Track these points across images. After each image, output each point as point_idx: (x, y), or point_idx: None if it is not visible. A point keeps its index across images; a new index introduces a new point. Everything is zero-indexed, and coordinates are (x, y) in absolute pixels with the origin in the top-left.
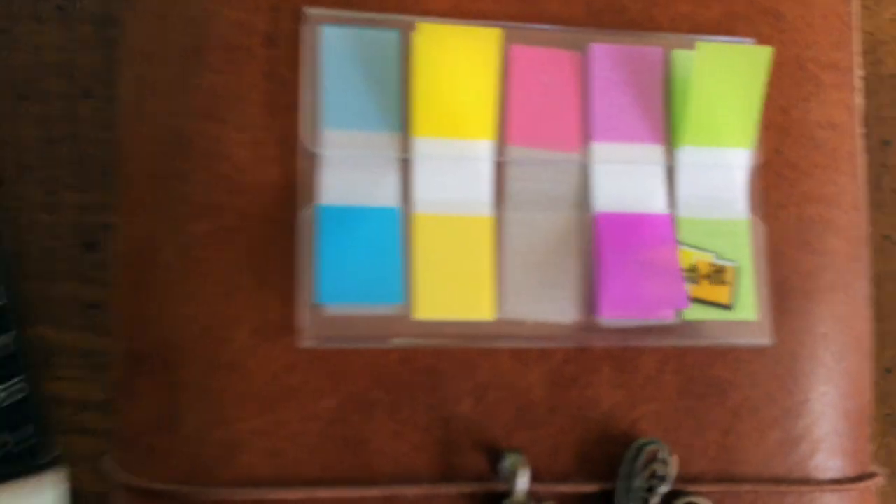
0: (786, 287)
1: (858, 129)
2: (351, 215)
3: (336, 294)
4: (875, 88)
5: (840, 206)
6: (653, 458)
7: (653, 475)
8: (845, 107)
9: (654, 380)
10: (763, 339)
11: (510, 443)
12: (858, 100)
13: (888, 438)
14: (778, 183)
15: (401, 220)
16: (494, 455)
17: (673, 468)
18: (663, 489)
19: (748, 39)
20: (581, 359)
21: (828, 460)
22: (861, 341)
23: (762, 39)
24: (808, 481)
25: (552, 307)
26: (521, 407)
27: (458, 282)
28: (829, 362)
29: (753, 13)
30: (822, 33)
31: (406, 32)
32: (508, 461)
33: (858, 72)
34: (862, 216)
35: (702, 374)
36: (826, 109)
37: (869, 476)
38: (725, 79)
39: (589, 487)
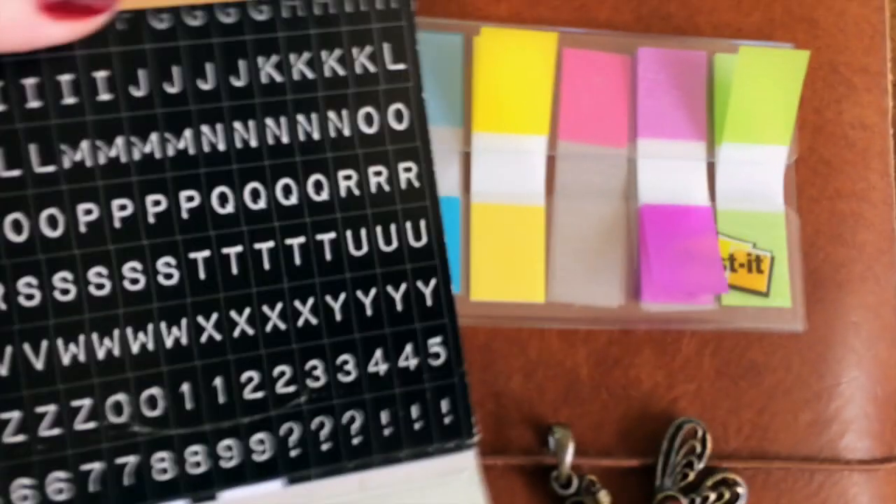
0: (818, 277)
1: (889, 130)
2: None
3: None
4: None
5: (870, 202)
6: (691, 436)
7: (691, 451)
8: (876, 108)
9: (692, 362)
10: (796, 325)
11: (557, 418)
12: (889, 102)
13: None
14: (812, 179)
15: (461, 208)
16: (542, 430)
17: (709, 446)
18: (700, 465)
19: (787, 44)
20: (624, 341)
21: (857, 442)
22: (890, 330)
23: (798, 45)
24: (837, 461)
25: (599, 292)
26: (567, 384)
27: (512, 267)
28: (860, 349)
29: (790, 20)
30: (855, 39)
31: (469, 37)
32: (557, 435)
33: (889, 76)
34: (891, 211)
35: (738, 357)
36: (858, 111)
37: None
38: (765, 80)
39: (630, 462)
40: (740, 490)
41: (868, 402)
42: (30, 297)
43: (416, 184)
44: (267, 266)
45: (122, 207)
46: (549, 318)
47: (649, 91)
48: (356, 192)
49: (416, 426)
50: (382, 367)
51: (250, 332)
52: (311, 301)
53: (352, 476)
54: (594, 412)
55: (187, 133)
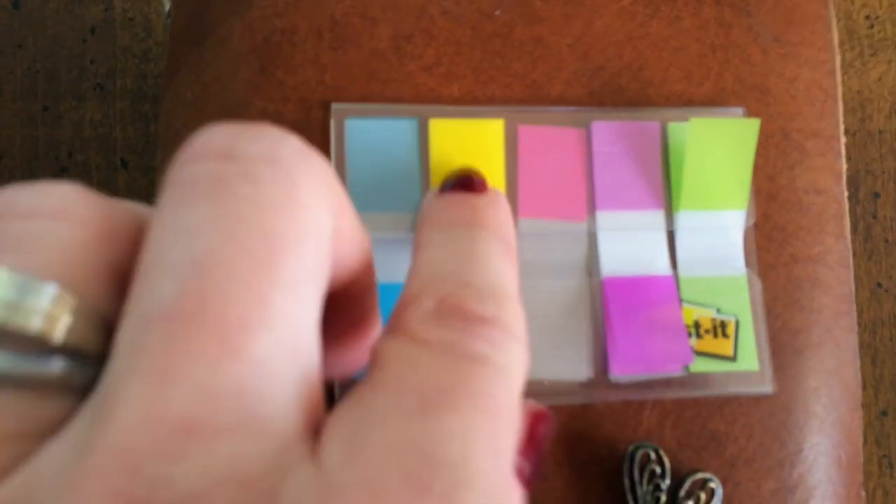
0: (777, 343)
1: (843, 192)
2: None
3: None
4: (864, 143)
5: (827, 265)
6: (647, 461)
7: (652, 475)
8: (830, 172)
9: (654, 434)
10: (765, 387)
11: None
12: (843, 164)
13: (884, 479)
14: (767, 245)
15: None
16: None
17: (667, 462)
18: (666, 483)
19: (737, 109)
20: (585, 416)
21: None
22: (851, 392)
23: (750, 113)
24: None
25: (567, 367)
26: None
27: None
28: (821, 413)
29: (741, 89)
30: (806, 105)
31: (424, 120)
32: None
33: (843, 139)
34: (849, 273)
35: (699, 428)
36: (811, 175)
37: None
38: (718, 149)
39: None
40: (713, 485)
41: (831, 466)
42: None
43: None
44: None
45: None
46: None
47: (605, 164)
48: None
49: None
50: None
51: None
52: None
53: None
54: (557, 489)
55: None
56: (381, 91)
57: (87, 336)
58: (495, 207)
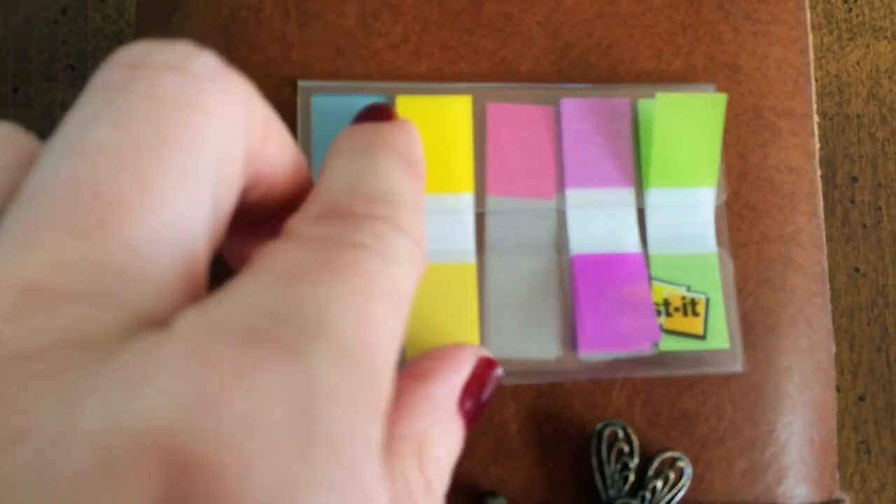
0: (748, 322)
1: (816, 171)
2: None
3: None
4: (842, 127)
5: (799, 244)
6: (615, 440)
7: (620, 454)
8: (802, 151)
9: (623, 413)
10: (735, 366)
11: (488, 476)
12: (815, 143)
13: (862, 465)
14: (739, 224)
15: None
16: (473, 493)
17: (635, 440)
18: (634, 462)
19: (708, 86)
20: (553, 394)
21: (794, 487)
22: (824, 372)
23: (721, 91)
24: None
25: (535, 345)
26: (496, 441)
27: (446, 325)
28: (794, 393)
29: (712, 67)
30: (778, 83)
31: (391, 97)
32: None
33: (815, 118)
34: (821, 253)
35: (669, 407)
36: (783, 154)
37: (835, 502)
38: (686, 125)
39: None
40: (682, 464)
41: (804, 446)
42: None
43: None
44: None
45: None
46: None
47: (574, 141)
48: None
49: None
50: None
51: None
52: None
53: None
54: (525, 468)
55: None
56: (348, 68)
57: None
58: (400, 131)
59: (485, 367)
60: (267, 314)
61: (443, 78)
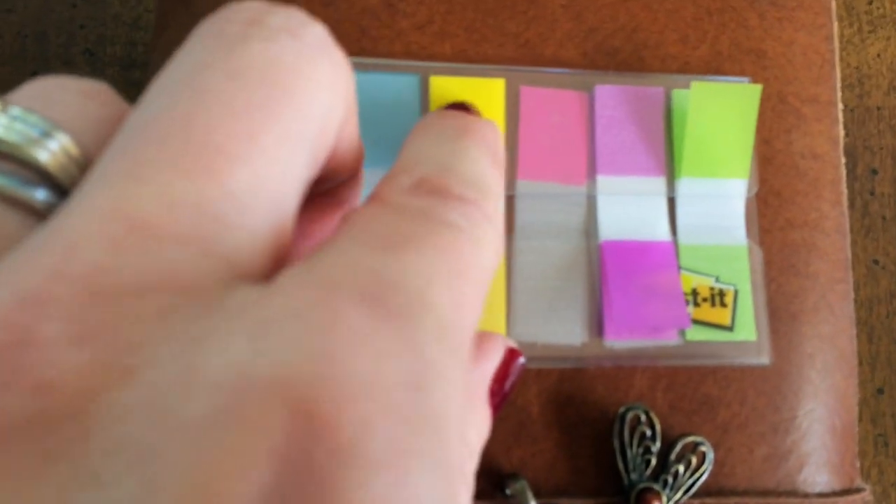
0: (772, 308)
1: (840, 159)
2: None
3: None
4: (862, 119)
5: (823, 231)
6: (637, 423)
7: (643, 437)
8: (827, 137)
9: (645, 397)
10: (762, 358)
11: (510, 459)
12: (840, 131)
13: (879, 458)
14: (763, 210)
15: None
16: (495, 475)
17: (657, 424)
18: (657, 446)
19: (742, 78)
20: (576, 377)
21: (815, 475)
22: (846, 360)
23: (745, 77)
24: (795, 494)
25: (561, 330)
26: (518, 423)
27: None
28: (816, 380)
29: (738, 53)
30: (803, 69)
31: (424, 76)
32: (513, 490)
33: (840, 105)
34: (845, 240)
35: (692, 392)
36: (808, 140)
37: (856, 490)
38: (720, 115)
39: (583, 503)
40: (703, 449)
41: (826, 433)
42: None
43: None
44: None
45: None
46: None
47: (607, 128)
48: None
49: None
50: None
51: None
52: None
53: None
54: (547, 451)
55: None
56: (372, 48)
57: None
58: (488, 126)
59: (510, 357)
60: (376, 278)
61: (468, 59)
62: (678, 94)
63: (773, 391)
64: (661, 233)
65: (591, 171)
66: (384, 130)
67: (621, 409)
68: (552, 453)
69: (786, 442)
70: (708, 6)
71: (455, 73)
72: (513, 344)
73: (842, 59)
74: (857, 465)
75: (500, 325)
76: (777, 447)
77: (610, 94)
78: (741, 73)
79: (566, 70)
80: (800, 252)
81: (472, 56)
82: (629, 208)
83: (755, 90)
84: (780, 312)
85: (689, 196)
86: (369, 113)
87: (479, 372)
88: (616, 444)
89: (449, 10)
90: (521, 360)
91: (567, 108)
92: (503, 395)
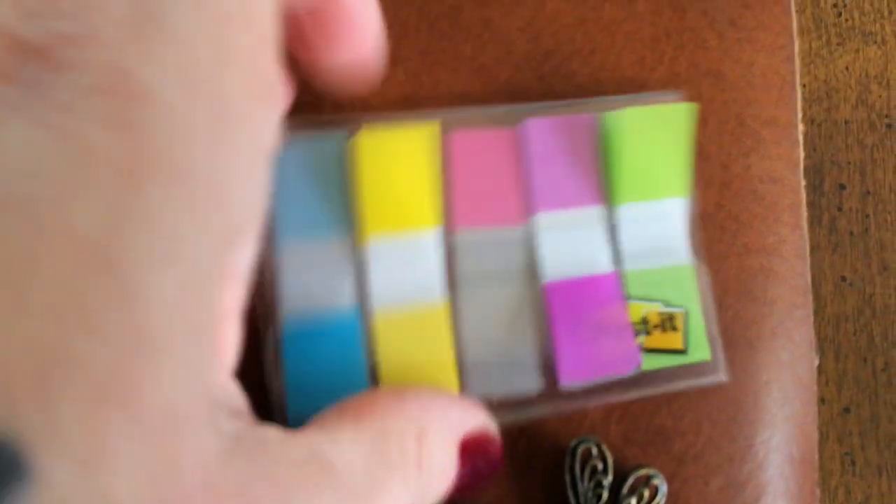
0: (728, 336)
1: (801, 182)
2: (312, 331)
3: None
4: (830, 133)
5: (781, 256)
6: (588, 457)
7: (594, 471)
8: (786, 161)
9: (598, 429)
10: (719, 376)
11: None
12: (800, 153)
13: (846, 477)
14: (720, 236)
15: (360, 320)
16: None
17: (609, 457)
18: (608, 479)
19: (674, 94)
20: (532, 430)
21: None
22: (805, 387)
23: (703, 99)
24: None
25: (516, 380)
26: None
27: (421, 370)
28: (773, 408)
29: (695, 75)
30: (762, 91)
31: (352, 132)
32: None
33: (800, 126)
34: (805, 264)
35: (646, 423)
36: (767, 164)
37: None
38: (653, 136)
39: None
40: (656, 481)
41: (784, 462)
42: None
43: None
44: None
45: None
46: None
47: (539, 162)
48: None
49: None
50: None
51: None
52: None
53: None
54: (497, 485)
55: None
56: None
57: None
58: None
59: (488, 441)
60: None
61: (419, 85)
62: (609, 117)
63: (728, 420)
64: (604, 264)
65: (531, 209)
66: (312, 196)
67: (573, 443)
68: (503, 487)
69: (742, 471)
70: (666, 27)
71: (389, 119)
72: (496, 437)
73: (809, 71)
74: (818, 493)
75: (452, 385)
76: (734, 477)
77: (539, 127)
78: (698, 94)
79: (493, 107)
80: (757, 278)
81: (425, 81)
82: (569, 243)
83: (686, 109)
84: (736, 340)
85: (631, 221)
86: (295, 179)
87: (459, 411)
88: (567, 478)
89: (403, 32)
90: (497, 450)
91: (497, 147)
92: (471, 464)
